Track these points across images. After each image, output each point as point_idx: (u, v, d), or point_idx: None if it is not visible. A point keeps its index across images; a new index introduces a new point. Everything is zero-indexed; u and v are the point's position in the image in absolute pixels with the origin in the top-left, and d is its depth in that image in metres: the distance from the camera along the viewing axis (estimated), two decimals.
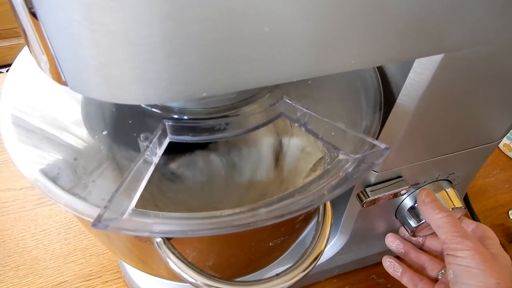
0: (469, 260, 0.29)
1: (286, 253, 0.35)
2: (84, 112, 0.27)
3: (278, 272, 0.23)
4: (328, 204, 0.26)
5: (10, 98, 0.28)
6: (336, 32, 0.18)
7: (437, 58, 0.23)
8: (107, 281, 0.46)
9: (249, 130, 0.23)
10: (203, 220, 0.21)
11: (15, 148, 0.24)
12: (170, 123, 0.22)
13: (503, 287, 0.27)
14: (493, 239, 0.33)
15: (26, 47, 0.31)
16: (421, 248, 0.39)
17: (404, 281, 0.37)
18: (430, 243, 0.39)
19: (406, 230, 0.38)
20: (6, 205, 0.52)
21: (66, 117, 0.27)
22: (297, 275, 0.23)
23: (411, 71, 0.25)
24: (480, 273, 0.28)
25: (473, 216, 0.51)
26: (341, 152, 0.23)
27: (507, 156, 0.62)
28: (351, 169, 0.23)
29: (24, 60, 0.31)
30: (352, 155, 0.23)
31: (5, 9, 1.19)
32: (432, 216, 0.33)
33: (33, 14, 0.16)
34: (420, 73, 0.25)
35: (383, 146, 0.22)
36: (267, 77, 0.19)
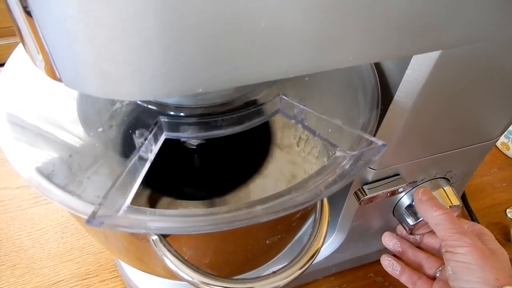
0: (468, 257, 0.29)
1: (284, 251, 0.35)
2: (79, 109, 0.27)
3: (275, 270, 0.23)
4: (326, 202, 0.26)
5: (5, 95, 0.28)
6: (334, 27, 0.18)
7: (434, 55, 0.23)
8: (104, 280, 0.45)
9: (245, 127, 0.23)
10: (199, 217, 0.20)
11: (10, 146, 0.24)
12: (166, 120, 0.22)
13: (502, 283, 0.27)
14: (489, 236, 0.33)
15: (20, 44, 0.31)
16: (418, 246, 0.39)
17: (403, 279, 0.37)
18: (428, 241, 0.39)
19: (404, 228, 0.38)
20: (3, 204, 0.52)
21: (62, 114, 0.27)
22: (294, 272, 0.23)
23: (408, 67, 0.25)
24: (479, 269, 0.28)
25: (470, 214, 0.51)
26: (338, 149, 0.23)
27: (505, 154, 0.62)
28: (348, 165, 0.23)
29: (18, 58, 0.31)
30: (349, 152, 0.23)
31: (1, 7, 1.19)
32: (430, 214, 0.33)
33: (28, 12, 0.16)
34: (418, 70, 0.25)
35: (380, 142, 0.22)
36: (263, 73, 0.19)
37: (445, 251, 0.31)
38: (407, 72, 0.25)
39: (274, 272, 0.23)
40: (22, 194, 0.53)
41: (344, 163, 0.23)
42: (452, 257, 0.30)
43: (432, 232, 0.38)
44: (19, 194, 0.53)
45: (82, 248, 0.48)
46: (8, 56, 0.31)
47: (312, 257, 0.23)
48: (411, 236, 0.39)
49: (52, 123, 0.26)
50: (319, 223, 0.25)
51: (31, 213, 0.51)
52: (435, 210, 0.33)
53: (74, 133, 0.25)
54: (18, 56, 0.31)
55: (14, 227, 0.49)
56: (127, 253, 0.32)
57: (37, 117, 0.26)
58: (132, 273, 0.43)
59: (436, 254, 0.38)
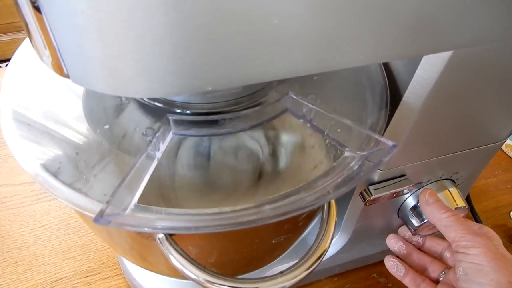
0: (481, 258, 0.29)
1: (288, 250, 0.34)
2: (85, 106, 0.27)
3: (281, 270, 0.23)
4: (333, 202, 0.26)
5: (10, 93, 0.27)
6: (345, 26, 0.18)
7: (445, 55, 0.23)
8: (106, 277, 0.45)
9: (253, 126, 0.23)
10: (206, 216, 0.20)
11: (15, 143, 0.24)
12: (174, 118, 0.22)
13: None
14: (497, 240, 0.33)
15: (25, 40, 0.30)
16: (420, 249, 0.39)
17: (406, 281, 0.37)
18: (430, 244, 0.38)
19: (409, 229, 0.38)
20: (5, 200, 0.51)
21: (67, 111, 0.27)
22: (301, 273, 0.23)
23: (418, 68, 0.25)
24: (492, 271, 0.28)
25: (475, 216, 0.51)
26: (347, 149, 0.23)
27: (510, 156, 0.62)
28: (357, 166, 0.23)
29: (23, 54, 0.31)
30: (358, 152, 0.23)
31: (4, 3, 1.19)
32: (438, 216, 0.33)
33: (36, 7, 0.16)
34: (428, 70, 0.25)
35: (390, 143, 0.22)
36: (274, 71, 0.18)
37: (457, 252, 0.31)
38: (417, 72, 0.25)
39: (281, 272, 0.22)
40: (24, 190, 0.53)
41: (353, 163, 0.23)
42: (465, 258, 0.30)
43: (434, 235, 0.38)
44: (22, 191, 0.53)
45: (84, 246, 0.48)
46: (10, 52, 0.31)
47: (319, 257, 0.23)
48: (414, 238, 0.39)
49: (58, 120, 0.26)
50: (326, 223, 0.25)
51: (34, 209, 0.51)
52: (443, 212, 0.33)
53: (80, 130, 0.25)
54: (23, 54, 0.31)
55: (16, 224, 0.49)
56: (130, 251, 0.32)
57: (43, 115, 0.26)
58: (135, 270, 0.43)
59: (438, 258, 0.38)
